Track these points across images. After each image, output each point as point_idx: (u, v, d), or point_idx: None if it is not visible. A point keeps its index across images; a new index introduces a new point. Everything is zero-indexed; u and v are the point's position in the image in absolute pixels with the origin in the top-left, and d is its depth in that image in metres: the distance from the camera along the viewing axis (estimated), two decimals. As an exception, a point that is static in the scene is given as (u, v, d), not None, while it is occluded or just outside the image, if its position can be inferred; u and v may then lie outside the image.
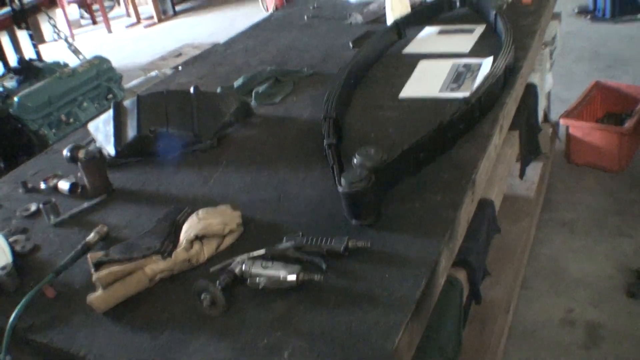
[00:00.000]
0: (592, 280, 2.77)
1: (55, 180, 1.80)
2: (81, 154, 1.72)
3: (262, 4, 7.20)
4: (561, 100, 4.00)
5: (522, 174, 2.23)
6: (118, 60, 6.69)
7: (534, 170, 3.09)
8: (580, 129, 3.50)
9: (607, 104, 3.86)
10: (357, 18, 2.82)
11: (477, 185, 1.51)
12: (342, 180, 1.32)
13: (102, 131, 1.91)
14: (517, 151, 2.14)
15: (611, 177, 3.43)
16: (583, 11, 5.94)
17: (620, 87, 3.89)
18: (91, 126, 1.98)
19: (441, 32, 2.51)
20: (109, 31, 8.40)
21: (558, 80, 3.76)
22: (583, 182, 3.45)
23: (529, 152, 2.25)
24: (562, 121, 3.54)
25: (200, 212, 1.43)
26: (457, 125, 1.60)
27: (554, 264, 2.89)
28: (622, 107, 3.79)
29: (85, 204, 1.67)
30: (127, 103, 1.91)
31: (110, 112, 1.90)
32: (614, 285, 2.73)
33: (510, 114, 1.93)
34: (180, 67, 4.26)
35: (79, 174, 1.76)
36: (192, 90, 1.92)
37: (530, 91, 2.30)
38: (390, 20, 2.60)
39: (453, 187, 1.44)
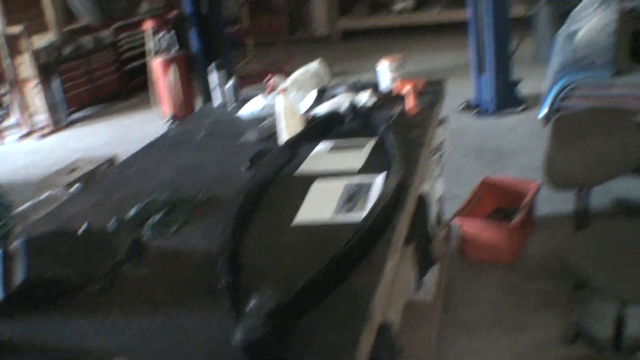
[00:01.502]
0: (496, 380, 2.82)
1: None
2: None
3: (154, 103, 7.13)
4: (453, 196, 4.15)
5: (418, 287, 2.28)
6: (10, 174, 6.47)
7: (431, 272, 3.14)
8: (471, 226, 3.64)
9: (496, 200, 4.04)
10: (252, 136, 2.86)
11: (375, 314, 1.53)
12: (238, 333, 1.30)
13: (-13, 276, 1.83)
14: (414, 262, 2.19)
15: (505, 271, 3.55)
16: (468, 107, 6.29)
17: (507, 182, 4.10)
18: (-24, 270, 1.88)
19: (333, 149, 2.59)
20: (1, 144, 8.13)
21: (448, 176, 3.92)
22: (479, 278, 3.54)
23: (424, 264, 2.30)
24: (454, 220, 3.66)
25: (93, 367, 1.38)
26: (352, 255, 1.63)
27: (459, 367, 2.92)
28: (510, 202, 3.97)
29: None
30: (15, 245, 1.84)
31: (-3, 256, 1.83)
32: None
33: (403, 232, 1.98)
34: (76, 186, 4.19)
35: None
36: (83, 228, 1.88)
37: (422, 202, 2.38)
38: (284, 137, 2.65)
39: (350, 321, 1.44)
